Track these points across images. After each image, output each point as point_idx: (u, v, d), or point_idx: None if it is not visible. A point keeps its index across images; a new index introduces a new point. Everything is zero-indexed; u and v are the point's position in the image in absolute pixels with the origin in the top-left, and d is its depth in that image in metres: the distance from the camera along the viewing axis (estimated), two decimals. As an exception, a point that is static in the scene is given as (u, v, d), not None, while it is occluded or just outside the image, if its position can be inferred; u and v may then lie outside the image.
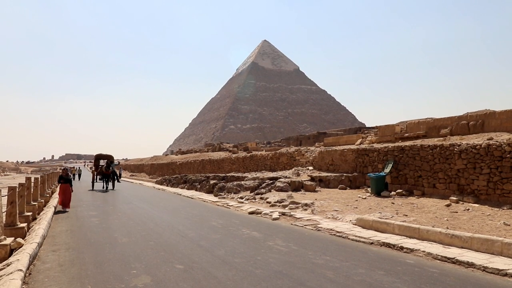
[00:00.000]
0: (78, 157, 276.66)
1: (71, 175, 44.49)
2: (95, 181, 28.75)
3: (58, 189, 17.00)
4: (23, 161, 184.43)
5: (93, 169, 31.23)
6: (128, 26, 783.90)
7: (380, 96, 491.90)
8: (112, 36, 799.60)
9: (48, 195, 18.62)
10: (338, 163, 20.23)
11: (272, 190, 17.77)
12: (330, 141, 35.76)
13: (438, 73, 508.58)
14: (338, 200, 14.39)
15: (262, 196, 16.83)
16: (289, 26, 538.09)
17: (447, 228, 8.80)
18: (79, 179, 43.40)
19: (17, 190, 9.55)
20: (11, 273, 5.53)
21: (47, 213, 12.91)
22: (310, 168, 23.21)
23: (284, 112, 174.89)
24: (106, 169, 26.47)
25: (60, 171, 17.56)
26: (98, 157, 31.55)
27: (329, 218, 11.66)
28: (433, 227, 8.84)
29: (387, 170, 15.66)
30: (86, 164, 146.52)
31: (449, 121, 23.01)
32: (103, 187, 26.39)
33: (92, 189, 26.44)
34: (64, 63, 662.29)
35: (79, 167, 52.32)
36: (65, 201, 15.02)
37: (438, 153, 13.72)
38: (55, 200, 17.09)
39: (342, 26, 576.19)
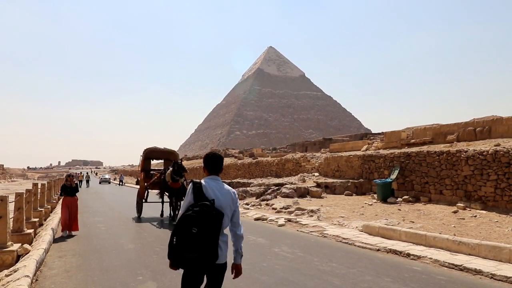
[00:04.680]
0: (84, 163, 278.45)
1: (79, 182, 44.35)
2: (145, 200, 15.30)
3: (60, 205, 12.18)
4: (29, 166, 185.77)
5: (141, 177, 16.37)
6: (135, 34, 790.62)
7: (386, 102, 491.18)
8: (118, 43, 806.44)
9: (54, 201, 18.72)
10: (344, 169, 20.18)
11: (277, 196, 17.74)
12: (336, 147, 35.66)
13: (444, 79, 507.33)
14: (344, 207, 14.34)
15: (268, 202, 16.80)
16: (295, 32, 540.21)
17: (454, 235, 8.73)
18: (87, 186, 43.28)
19: (24, 196, 9.61)
20: (18, 279, 5.56)
21: (54, 219, 12.97)
22: (316, 174, 23.16)
23: (289, 118, 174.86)
24: (173, 179, 12.84)
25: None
26: (151, 154, 16.71)
27: (335, 224, 11.61)
28: (440, 233, 8.78)
29: (393, 176, 15.59)
30: (92, 170, 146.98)
31: (456, 127, 22.87)
32: (164, 215, 14.44)
33: (139, 216, 14.44)
34: (71, 71, 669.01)
35: (86, 173, 52.42)
36: (70, 221, 10.82)
37: (445, 160, 13.65)
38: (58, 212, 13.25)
39: (348, 32, 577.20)
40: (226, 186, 3.45)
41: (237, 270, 3.56)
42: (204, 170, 3.53)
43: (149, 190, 15.97)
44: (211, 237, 3.10)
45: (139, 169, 16.81)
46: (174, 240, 3.15)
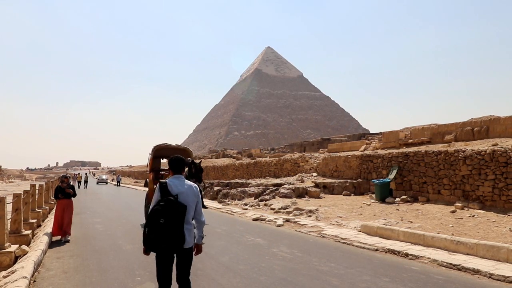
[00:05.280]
0: (83, 164, 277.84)
1: (76, 183, 44.16)
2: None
3: (54, 209, 11.51)
4: (28, 167, 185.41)
5: (149, 178, 14.14)
6: (132, 33, 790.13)
7: (384, 102, 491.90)
8: (117, 44, 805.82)
9: (52, 202, 18.68)
10: (342, 170, 20.19)
11: (276, 197, 17.74)
12: (334, 147, 35.70)
13: (442, 79, 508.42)
14: (343, 207, 14.35)
15: (266, 202, 16.80)
16: (293, 32, 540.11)
17: (453, 234, 8.75)
18: (85, 187, 43.09)
19: (22, 197, 9.58)
20: (16, 280, 5.55)
21: (52, 220, 12.93)
22: (314, 174, 23.18)
23: (288, 118, 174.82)
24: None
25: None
26: (161, 152, 14.27)
27: (333, 224, 11.62)
28: (438, 233, 8.79)
29: (391, 176, 15.61)
30: (90, 171, 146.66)
31: (454, 127, 22.93)
32: None
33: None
34: (68, 71, 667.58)
35: (85, 174, 52.29)
36: (63, 226, 10.17)
37: (443, 159, 13.67)
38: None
39: (346, 32, 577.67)
40: (188, 182, 4.17)
41: (198, 249, 4.31)
42: (169, 171, 4.28)
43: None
44: (176, 226, 3.82)
45: (148, 169, 14.59)
46: (146, 230, 3.86)
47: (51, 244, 9.34)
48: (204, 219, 4.23)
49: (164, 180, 4.10)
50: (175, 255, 4.06)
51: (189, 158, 11.91)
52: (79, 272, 6.70)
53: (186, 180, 4.25)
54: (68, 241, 9.81)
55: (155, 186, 12.34)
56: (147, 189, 14.30)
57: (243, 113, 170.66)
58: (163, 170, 15.01)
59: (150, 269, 6.75)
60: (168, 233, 3.78)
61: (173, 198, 3.87)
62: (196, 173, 10.85)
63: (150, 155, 14.18)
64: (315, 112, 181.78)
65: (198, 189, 4.28)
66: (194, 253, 4.25)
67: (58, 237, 10.05)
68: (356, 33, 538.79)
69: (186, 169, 10.80)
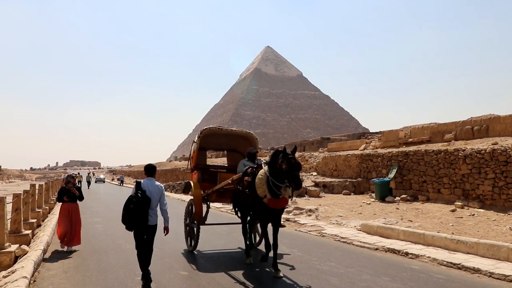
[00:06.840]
0: (82, 164, 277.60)
1: (79, 184, 42.68)
2: (203, 220, 8.15)
3: (58, 213, 9.70)
4: (32, 167, 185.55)
5: (193, 180, 9.06)
6: (131, 33, 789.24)
7: (384, 101, 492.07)
8: (116, 44, 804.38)
9: (52, 202, 18.68)
10: (342, 169, 20.19)
11: (276, 196, 17.71)
12: (334, 147, 35.66)
13: (442, 78, 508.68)
14: (342, 206, 14.35)
15: (266, 202, 16.78)
16: (292, 31, 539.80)
17: (453, 233, 8.75)
18: (88, 187, 42.29)
19: (21, 197, 9.56)
20: (16, 280, 5.54)
21: (52, 220, 12.94)
22: (314, 173, 23.17)
23: (287, 117, 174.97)
24: (275, 193, 6.19)
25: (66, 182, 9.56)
26: (210, 140, 9.58)
27: (333, 223, 11.62)
28: (438, 232, 8.79)
29: (391, 175, 15.61)
30: (90, 171, 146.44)
31: (453, 126, 22.91)
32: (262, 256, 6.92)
33: (193, 250, 8.09)
34: (68, 71, 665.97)
35: (88, 173, 51.85)
36: (71, 233, 8.70)
37: (443, 158, 13.67)
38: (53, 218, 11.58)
39: (345, 31, 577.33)
40: (156, 183, 6.01)
41: (166, 230, 6.02)
42: (145, 174, 6.11)
43: (209, 204, 8.96)
44: (142, 210, 5.61)
45: (191, 166, 9.37)
46: (124, 212, 5.67)
47: (52, 244, 9.32)
48: (166, 208, 5.99)
49: (140, 180, 5.85)
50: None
51: (252, 148, 8.37)
52: (79, 271, 6.69)
53: (155, 181, 6.00)
54: (74, 251, 8.50)
55: (202, 192, 8.54)
56: (187, 197, 9.26)
57: (243, 112, 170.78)
58: (216, 167, 10.51)
59: (150, 268, 6.74)
60: (136, 215, 5.58)
61: (141, 192, 5.66)
62: (289, 171, 5.92)
63: (195, 143, 9.15)
64: (315, 112, 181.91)
65: (163, 187, 6.02)
66: (165, 233, 5.97)
67: (60, 248, 8.72)
68: (355, 32, 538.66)
69: (265, 167, 6.56)
